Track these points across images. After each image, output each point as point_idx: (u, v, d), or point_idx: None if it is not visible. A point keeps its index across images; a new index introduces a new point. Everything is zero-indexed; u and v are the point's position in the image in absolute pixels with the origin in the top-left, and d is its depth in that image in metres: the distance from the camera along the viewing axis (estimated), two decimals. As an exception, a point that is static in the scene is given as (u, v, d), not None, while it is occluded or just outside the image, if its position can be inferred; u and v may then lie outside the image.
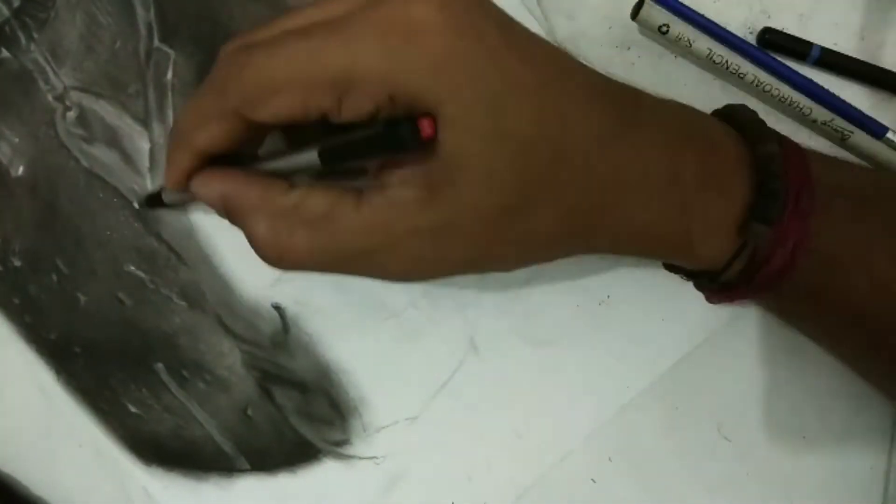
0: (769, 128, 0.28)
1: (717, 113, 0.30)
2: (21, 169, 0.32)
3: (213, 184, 0.24)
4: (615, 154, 0.24)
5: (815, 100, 0.33)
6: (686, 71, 0.35)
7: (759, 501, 0.36)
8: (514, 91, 0.21)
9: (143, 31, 0.32)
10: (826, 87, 0.34)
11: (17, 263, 0.33)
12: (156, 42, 0.32)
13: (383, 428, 0.34)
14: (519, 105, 0.22)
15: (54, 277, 0.33)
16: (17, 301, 0.33)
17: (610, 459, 0.35)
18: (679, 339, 0.35)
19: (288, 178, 0.25)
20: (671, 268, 0.31)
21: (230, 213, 0.24)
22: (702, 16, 0.33)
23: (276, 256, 0.23)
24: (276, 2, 0.33)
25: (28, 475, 0.34)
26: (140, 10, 0.32)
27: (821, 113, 0.34)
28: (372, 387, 0.34)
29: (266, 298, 0.33)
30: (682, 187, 0.25)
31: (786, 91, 0.33)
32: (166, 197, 0.30)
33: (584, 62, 0.34)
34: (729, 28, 0.33)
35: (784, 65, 0.33)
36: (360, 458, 0.34)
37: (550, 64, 0.23)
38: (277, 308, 0.34)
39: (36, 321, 0.33)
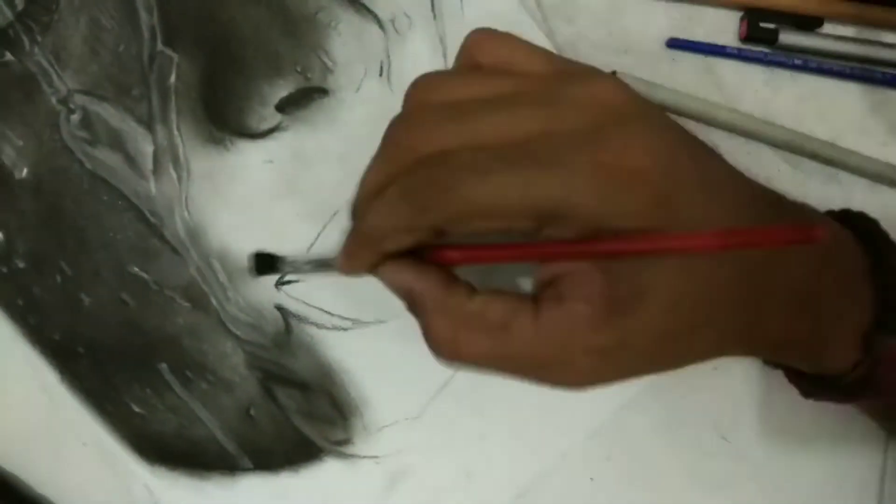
0: (891, 239, 0.30)
1: (832, 214, 0.31)
2: (25, 171, 0.33)
3: (403, 276, 0.25)
4: (774, 271, 0.25)
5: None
6: (683, 74, 0.35)
7: (757, 501, 0.36)
8: (706, 225, 0.22)
9: (146, 34, 0.32)
10: (823, 89, 0.34)
11: (21, 265, 0.33)
12: (159, 45, 0.32)
13: (385, 427, 0.35)
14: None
15: (58, 278, 0.33)
16: (20, 302, 0.33)
17: (608, 459, 0.36)
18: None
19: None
20: (774, 364, 0.33)
21: (411, 305, 0.25)
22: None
23: (451, 356, 0.24)
24: (277, 5, 0.33)
25: (31, 473, 0.34)
26: (143, 14, 0.32)
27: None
28: (373, 386, 0.34)
29: (269, 299, 0.34)
30: (824, 297, 0.27)
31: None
32: (286, 268, 0.31)
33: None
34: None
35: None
36: (362, 457, 0.35)
37: (741, 194, 0.24)
38: (280, 309, 0.34)
39: (40, 322, 0.33)
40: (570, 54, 0.35)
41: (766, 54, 0.35)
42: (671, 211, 0.22)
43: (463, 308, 0.24)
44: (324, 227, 0.34)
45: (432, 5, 0.34)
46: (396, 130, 0.25)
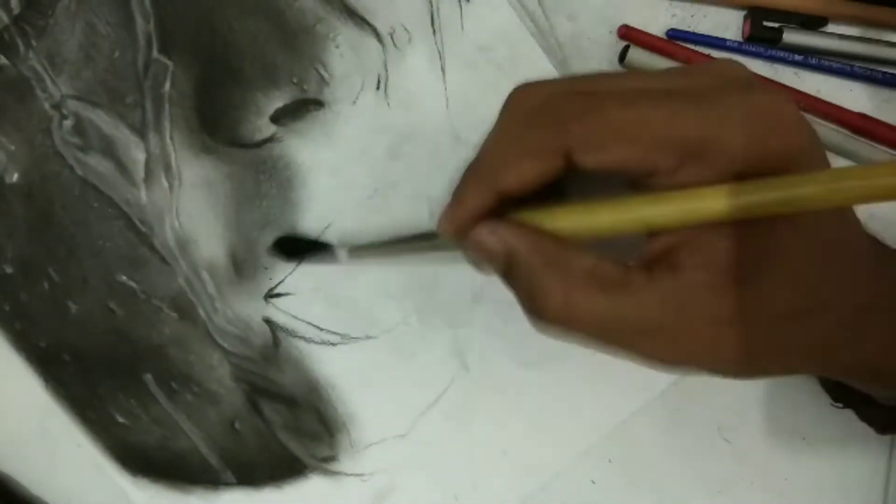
0: None
1: None
2: (16, 176, 0.32)
3: (502, 234, 0.22)
4: (877, 276, 0.24)
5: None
6: None
7: (759, 503, 0.36)
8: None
9: (141, 41, 0.32)
10: (827, 90, 0.34)
11: (9, 270, 0.33)
12: (154, 53, 0.32)
13: (371, 445, 0.34)
14: (844, 211, 0.22)
15: (46, 285, 0.33)
16: (7, 308, 0.33)
17: (610, 461, 0.35)
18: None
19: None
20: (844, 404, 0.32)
21: (514, 267, 0.22)
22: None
23: (562, 319, 0.22)
24: (275, 15, 0.33)
25: (26, 475, 0.34)
26: (139, 21, 0.32)
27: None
28: (361, 403, 0.34)
29: (257, 312, 0.33)
30: None
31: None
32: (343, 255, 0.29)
33: (585, 64, 0.34)
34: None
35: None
36: (347, 474, 0.34)
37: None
38: (268, 322, 0.33)
39: (26, 328, 0.33)
40: (571, 52, 0.34)
41: (766, 48, 0.35)
42: (812, 164, 0.21)
43: (576, 263, 0.22)
44: (317, 237, 0.33)
45: (431, 20, 0.33)
46: (521, 86, 0.23)
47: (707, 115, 0.20)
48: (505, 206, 0.23)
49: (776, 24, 0.34)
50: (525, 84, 0.23)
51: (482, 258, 0.23)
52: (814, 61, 0.35)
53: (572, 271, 0.22)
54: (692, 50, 0.34)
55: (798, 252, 0.21)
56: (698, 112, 0.21)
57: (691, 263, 0.21)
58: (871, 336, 0.25)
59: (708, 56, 0.34)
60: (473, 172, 0.23)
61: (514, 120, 0.23)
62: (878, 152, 0.35)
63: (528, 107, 0.22)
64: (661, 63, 0.34)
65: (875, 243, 0.25)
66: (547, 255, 0.22)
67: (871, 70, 0.35)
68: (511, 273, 0.23)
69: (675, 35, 0.34)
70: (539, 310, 0.22)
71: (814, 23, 0.35)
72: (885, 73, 0.35)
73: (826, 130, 0.35)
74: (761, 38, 0.34)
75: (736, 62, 0.23)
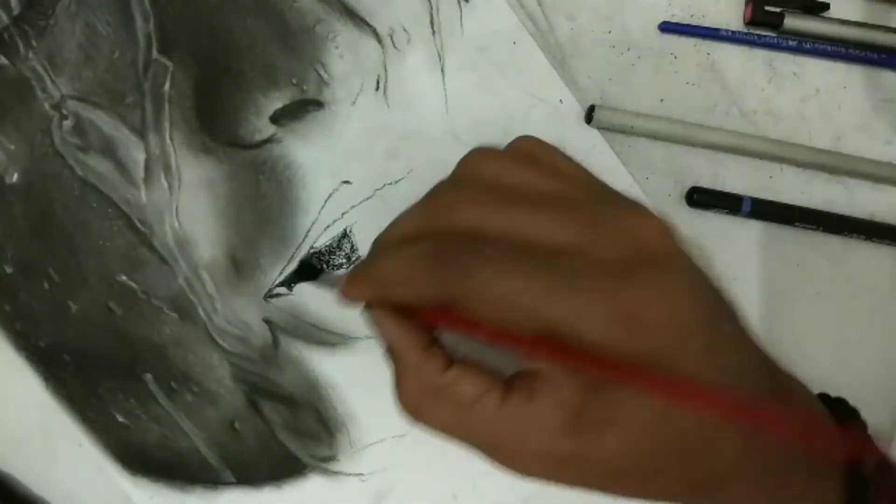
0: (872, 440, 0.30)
1: (823, 398, 0.31)
2: (16, 176, 0.32)
3: (386, 327, 0.25)
4: (749, 438, 0.25)
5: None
6: (685, 70, 0.35)
7: None
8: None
9: (141, 42, 0.32)
10: (827, 87, 0.34)
11: (9, 270, 0.33)
12: (154, 53, 0.32)
13: (370, 445, 0.34)
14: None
15: (46, 285, 0.33)
16: (7, 308, 0.33)
17: None
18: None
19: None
20: None
21: (389, 356, 0.26)
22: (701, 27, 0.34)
23: (412, 416, 0.25)
24: (275, 16, 0.33)
25: (28, 474, 0.34)
26: (139, 22, 0.32)
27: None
28: (360, 403, 0.34)
29: (257, 312, 0.33)
30: (796, 480, 0.26)
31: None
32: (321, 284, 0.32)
33: (585, 64, 0.34)
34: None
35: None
36: (347, 474, 0.34)
37: (730, 359, 0.24)
38: (268, 322, 0.34)
39: (26, 328, 0.33)
40: (570, 51, 0.34)
41: (759, 37, 0.35)
42: (671, 366, 0.22)
43: (434, 378, 0.24)
44: (309, 235, 0.33)
45: (431, 21, 0.34)
46: (443, 192, 0.25)
47: (573, 302, 0.22)
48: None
49: (777, 9, 0.34)
50: (454, 191, 0.25)
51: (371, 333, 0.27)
52: (808, 45, 0.35)
53: (428, 382, 0.24)
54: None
55: (637, 428, 0.22)
56: (567, 297, 0.22)
57: (545, 400, 0.23)
58: (718, 499, 0.26)
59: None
60: (370, 273, 0.26)
61: (418, 236, 0.25)
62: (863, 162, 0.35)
63: (433, 227, 0.25)
64: (626, 120, 0.34)
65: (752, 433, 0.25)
66: (412, 360, 0.25)
67: (872, 55, 0.35)
68: (387, 359, 0.26)
69: (667, 28, 0.35)
70: (397, 403, 0.25)
71: (815, 7, 0.35)
72: (885, 57, 0.35)
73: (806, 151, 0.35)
74: (763, 23, 0.34)
75: (659, 222, 0.24)
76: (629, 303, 0.22)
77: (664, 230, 0.24)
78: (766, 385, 0.26)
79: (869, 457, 0.28)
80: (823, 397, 0.31)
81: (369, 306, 0.26)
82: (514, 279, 0.22)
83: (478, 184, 0.25)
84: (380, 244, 0.26)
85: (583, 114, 0.35)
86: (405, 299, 0.25)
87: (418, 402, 0.25)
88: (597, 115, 0.34)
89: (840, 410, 0.30)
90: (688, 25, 0.35)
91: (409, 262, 0.24)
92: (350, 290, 0.26)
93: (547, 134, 0.34)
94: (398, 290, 0.25)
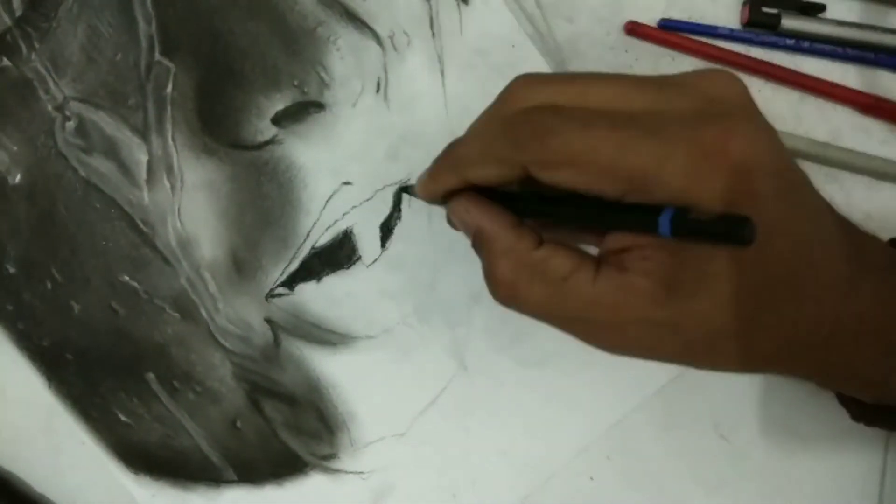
0: None
1: (893, 243, 0.31)
2: (19, 177, 0.33)
3: (473, 213, 0.25)
4: (846, 300, 0.25)
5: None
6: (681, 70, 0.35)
7: (756, 501, 0.36)
8: (781, 233, 0.22)
9: (144, 43, 0.32)
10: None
11: (12, 270, 0.33)
12: (157, 55, 0.32)
13: (371, 443, 0.35)
14: (781, 244, 0.22)
15: (48, 285, 0.33)
16: (10, 308, 0.33)
17: (608, 458, 0.36)
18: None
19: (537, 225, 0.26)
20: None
21: (479, 243, 0.26)
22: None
23: (508, 298, 0.25)
24: (276, 18, 0.33)
25: (31, 473, 0.34)
26: (142, 23, 0.32)
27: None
28: (361, 402, 0.34)
29: (259, 312, 0.34)
30: (892, 333, 0.26)
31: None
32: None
33: (584, 65, 0.35)
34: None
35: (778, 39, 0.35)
36: (347, 472, 0.35)
37: (814, 206, 0.24)
38: (270, 321, 0.34)
39: (29, 328, 0.33)
40: (570, 53, 0.35)
41: (757, 34, 0.35)
42: (754, 205, 0.21)
43: (528, 254, 0.24)
44: (310, 236, 0.34)
45: (431, 23, 0.34)
46: (514, 84, 0.25)
47: (654, 149, 0.21)
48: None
49: (775, 10, 0.35)
50: (523, 81, 0.25)
51: (458, 225, 0.27)
52: (805, 45, 0.35)
53: (522, 261, 0.24)
54: (693, 40, 0.35)
55: (736, 279, 0.22)
56: (647, 145, 0.21)
57: (637, 268, 0.23)
58: (824, 356, 0.26)
59: (710, 46, 0.35)
60: (448, 157, 0.26)
61: (493, 120, 0.25)
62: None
63: (508, 111, 0.24)
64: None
65: (853, 260, 0.25)
66: (504, 241, 0.25)
67: (868, 55, 0.35)
68: (476, 247, 0.26)
69: (666, 25, 0.35)
70: (492, 288, 0.25)
71: (812, 8, 0.35)
72: (882, 58, 0.35)
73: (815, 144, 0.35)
74: (760, 24, 0.35)
75: (729, 76, 0.24)
76: (712, 142, 0.21)
77: (737, 83, 0.23)
78: (844, 231, 0.26)
79: None
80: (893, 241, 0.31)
81: (453, 199, 0.26)
82: (593, 134, 0.22)
83: (546, 75, 0.25)
84: (457, 139, 0.26)
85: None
86: (489, 176, 0.24)
87: (513, 283, 0.24)
88: None
89: None
90: (686, 23, 0.35)
91: (488, 136, 0.24)
92: (432, 182, 0.26)
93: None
94: (479, 168, 0.24)
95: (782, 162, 0.23)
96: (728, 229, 0.20)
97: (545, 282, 0.24)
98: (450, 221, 0.28)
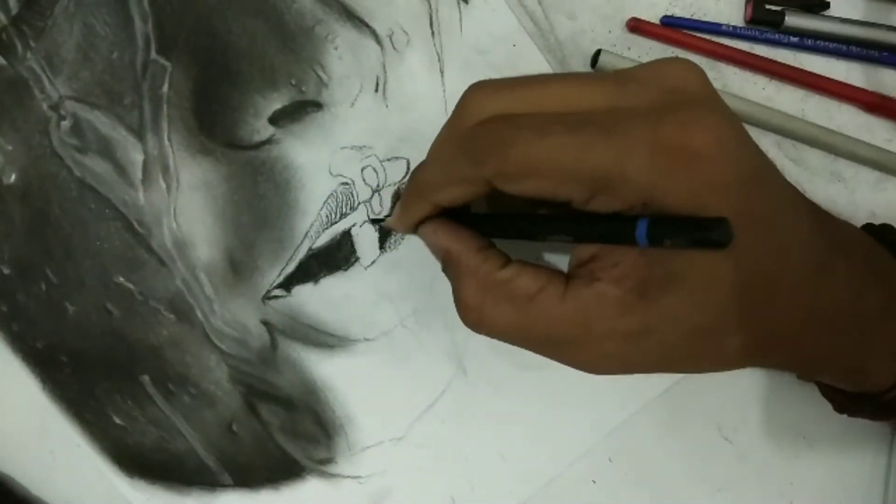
0: None
1: (869, 229, 0.31)
2: (13, 177, 0.32)
3: (441, 236, 0.26)
4: (820, 287, 0.24)
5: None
6: None
7: (760, 502, 0.36)
8: (751, 223, 0.22)
9: (140, 42, 0.32)
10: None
11: (6, 271, 0.33)
12: (153, 54, 0.32)
13: (368, 447, 0.34)
14: (751, 235, 0.22)
15: (43, 286, 0.33)
16: (4, 309, 0.33)
17: (610, 460, 0.35)
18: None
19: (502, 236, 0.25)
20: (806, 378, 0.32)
21: (447, 267, 0.26)
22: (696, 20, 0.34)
23: (475, 322, 0.24)
24: (274, 17, 0.33)
25: (26, 475, 0.34)
26: (138, 22, 0.32)
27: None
28: (358, 405, 0.34)
29: (255, 314, 0.33)
30: (868, 318, 0.26)
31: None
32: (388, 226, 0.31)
33: (585, 63, 0.34)
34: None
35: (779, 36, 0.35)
36: (344, 476, 0.34)
37: (782, 193, 0.24)
38: (266, 324, 0.33)
39: (23, 329, 0.33)
40: (572, 50, 0.34)
41: (761, 32, 0.35)
42: (721, 198, 0.21)
43: (493, 275, 0.24)
44: (308, 237, 0.33)
45: (430, 22, 0.33)
46: (467, 95, 0.24)
47: (614, 148, 0.21)
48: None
49: (778, 7, 0.34)
50: (476, 91, 0.24)
51: (429, 250, 0.27)
52: (809, 42, 0.35)
53: (487, 282, 0.24)
54: (696, 37, 0.34)
55: (708, 275, 0.22)
56: (607, 145, 0.21)
57: (607, 276, 0.22)
58: (802, 346, 0.25)
59: (713, 43, 0.34)
60: (413, 185, 0.26)
61: (450, 138, 0.25)
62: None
63: (464, 126, 0.24)
64: (629, 65, 0.34)
65: (826, 247, 0.25)
66: (470, 263, 0.24)
67: (872, 53, 0.35)
68: (445, 271, 0.26)
69: (668, 22, 0.34)
70: (460, 312, 0.25)
71: (816, 6, 0.35)
72: (887, 56, 0.35)
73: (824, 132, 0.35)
74: (763, 21, 0.34)
75: (686, 64, 0.23)
76: (673, 136, 0.21)
77: (694, 71, 0.23)
78: (815, 219, 0.25)
79: None
80: (867, 227, 0.31)
81: (422, 224, 0.26)
82: (551, 140, 0.21)
83: (498, 81, 0.24)
84: (418, 165, 0.26)
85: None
86: (454, 197, 0.24)
87: (478, 305, 0.24)
88: (602, 58, 0.34)
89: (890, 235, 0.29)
90: (689, 20, 0.35)
91: (447, 158, 0.24)
92: (404, 214, 0.26)
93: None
94: (444, 191, 0.24)
95: (746, 150, 0.22)
96: (704, 233, 0.20)
97: (511, 302, 0.23)
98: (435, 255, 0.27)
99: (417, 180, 0.26)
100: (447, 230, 0.25)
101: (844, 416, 0.33)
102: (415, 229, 0.27)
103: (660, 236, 0.20)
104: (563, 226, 0.23)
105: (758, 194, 0.22)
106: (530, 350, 0.24)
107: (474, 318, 0.24)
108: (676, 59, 0.23)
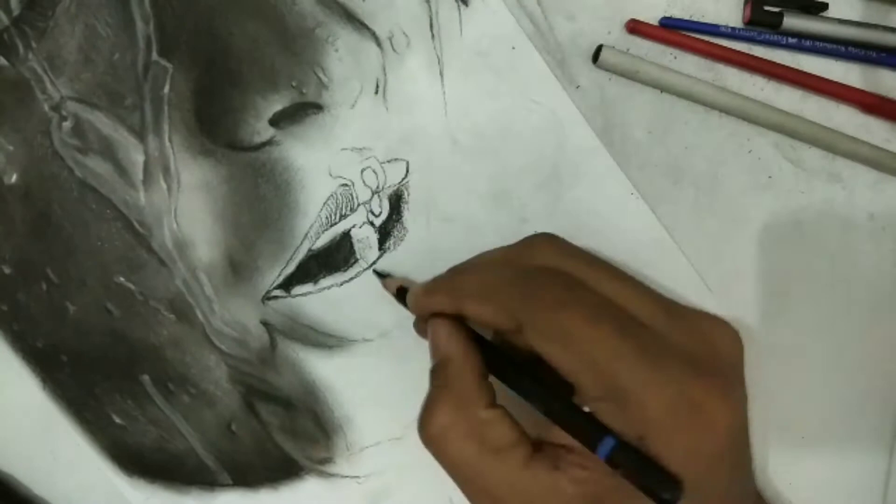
0: None
1: None
2: (14, 177, 0.32)
3: (452, 344, 0.26)
4: None
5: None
6: (685, 71, 0.35)
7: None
8: (711, 497, 0.23)
9: (141, 44, 0.32)
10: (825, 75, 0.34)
11: (7, 271, 0.33)
12: (154, 55, 0.32)
13: (367, 447, 0.34)
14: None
15: (44, 286, 0.33)
16: (5, 308, 0.33)
17: None
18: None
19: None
20: None
21: (438, 372, 0.26)
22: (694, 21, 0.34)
23: (433, 438, 0.25)
24: (275, 19, 0.33)
25: (27, 474, 0.34)
26: (140, 24, 0.32)
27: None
28: (357, 406, 0.34)
29: (255, 314, 0.33)
30: None
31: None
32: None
33: (585, 64, 0.34)
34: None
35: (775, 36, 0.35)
36: (343, 476, 0.34)
37: (745, 488, 0.25)
38: (266, 324, 0.34)
39: (24, 329, 0.33)
40: (571, 51, 0.34)
41: (759, 33, 0.35)
42: (703, 470, 0.22)
43: (476, 410, 0.24)
44: (308, 238, 0.33)
45: (430, 25, 0.34)
46: (538, 239, 0.26)
47: (648, 374, 0.22)
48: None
49: (777, 9, 0.35)
50: (548, 241, 0.26)
51: (429, 344, 0.27)
52: (807, 44, 0.35)
53: (467, 413, 0.24)
54: (694, 38, 0.34)
55: None
56: (643, 367, 0.22)
57: (571, 473, 0.23)
58: None
59: (712, 44, 0.34)
60: (450, 282, 0.26)
61: (507, 265, 0.26)
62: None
63: (525, 264, 0.25)
64: (631, 64, 0.34)
65: None
66: (464, 386, 0.25)
67: (870, 54, 0.35)
68: (434, 374, 0.26)
69: (667, 24, 0.35)
70: (423, 421, 0.25)
71: (814, 7, 0.35)
72: (885, 57, 0.35)
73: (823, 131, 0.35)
74: (762, 22, 0.35)
75: (730, 329, 0.24)
76: (699, 394, 0.22)
77: (736, 341, 0.24)
78: None
79: None
80: None
81: (438, 318, 0.26)
82: (599, 328, 0.22)
83: (569, 246, 0.25)
84: (462, 265, 0.27)
85: (580, 115, 0.35)
86: (484, 316, 0.24)
87: (447, 426, 0.24)
88: (603, 54, 0.34)
89: None
90: (688, 21, 0.35)
91: (497, 281, 0.25)
92: (427, 299, 0.27)
93: (545, 139, 0.34)
94: (478, 305, 0.24)
95: (742, 437, 0.24)
96: (657, 484, 0.21)
97: (478, 444, 0.24)
98: (416, 325, 0.28)
99: (457, 279, 0.26)
100: (460, 341, 0.25)
101: (844, 416, 0.33)
102: (426, 318, 0.27)
103: (617, 461, 0.22)
104: (551, 403, 0.24)
105: (729, 482, 0.23)
106: (463, 491, 0.25)
107: (436, 435, 0.24)
108: (721, 319, 0.25)
